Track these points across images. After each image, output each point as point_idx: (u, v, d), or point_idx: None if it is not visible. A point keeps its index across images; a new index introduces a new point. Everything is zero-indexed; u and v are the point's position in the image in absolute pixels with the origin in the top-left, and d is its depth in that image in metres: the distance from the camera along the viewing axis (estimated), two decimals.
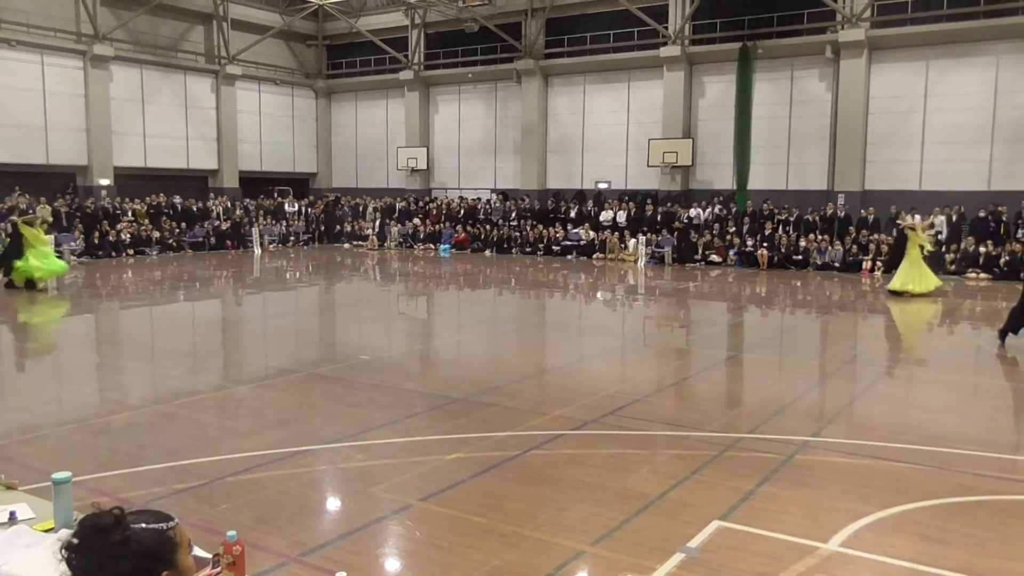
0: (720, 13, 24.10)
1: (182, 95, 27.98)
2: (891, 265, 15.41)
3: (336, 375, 8.61)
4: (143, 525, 1.76)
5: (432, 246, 26.16)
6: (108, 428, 6.64)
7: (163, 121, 27.31)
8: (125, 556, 1.70)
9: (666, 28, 24.37)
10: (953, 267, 19.10)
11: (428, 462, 5.70)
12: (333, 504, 5.11)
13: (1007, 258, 18.30)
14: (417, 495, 5.06)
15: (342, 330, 12.77)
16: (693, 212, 23.43)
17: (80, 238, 21.97)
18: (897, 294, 15.31)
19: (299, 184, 32.64)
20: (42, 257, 15.37)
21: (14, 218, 16.38)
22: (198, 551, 2.35)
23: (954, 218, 20.06)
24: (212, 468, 5.52)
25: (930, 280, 15.42)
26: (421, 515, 4.78)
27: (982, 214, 19.64)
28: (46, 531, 2.55)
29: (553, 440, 6.24)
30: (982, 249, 18.92)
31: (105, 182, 25.36)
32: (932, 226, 17.77)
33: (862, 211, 21.25)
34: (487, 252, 25.18)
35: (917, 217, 18.18)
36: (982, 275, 18.59)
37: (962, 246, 19.37)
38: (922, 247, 15.58)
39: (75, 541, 1.72)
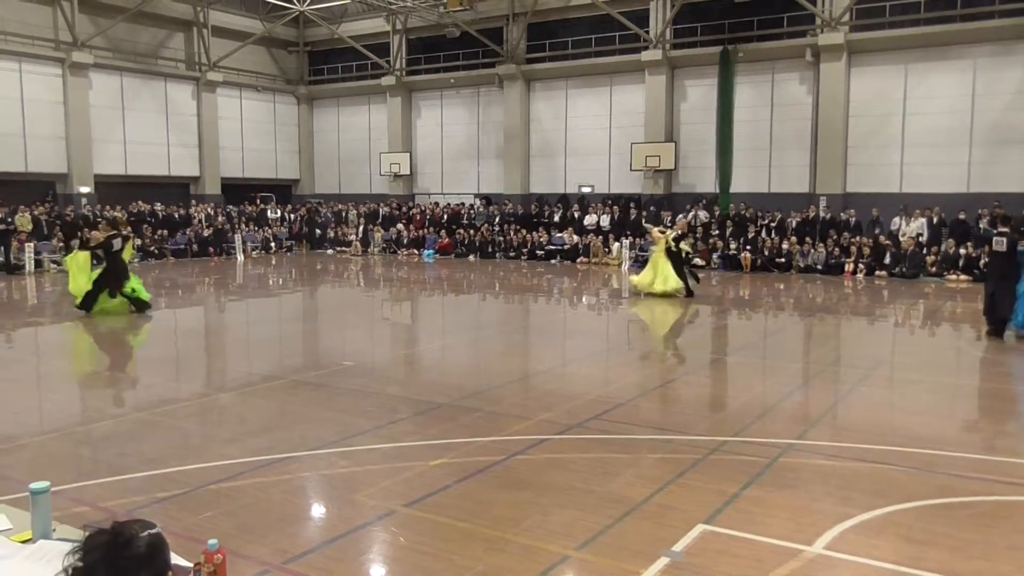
0: (701, 17, 24.27)
1: (163, 102, 27.79)
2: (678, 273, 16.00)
3: (319, 381, 8.57)
4: (147, 532, 1.80)
5: (416, 251, 26.11)
6: (89, 437, 6.57)
7: (144, 128, 27.11)
8: (148, 565, 1.76)
9: (647, 32, 24.50)
10: (933, 269, 19.30)
11: (412, 468, 5.68)
12: (316, 511, 5.07)
13: (986, 260, 18.48)
14: (401, 501, 5.04)
15: (325, 336, 12.70)
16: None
17: (60, 246, 21.74)
18: (655, 294, 15.62)
19: (282, 191, 32.50)
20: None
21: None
22: (179, 560, 2.33)
23: (935, 220, 20.27)
24: (194, 476, 5.47)
25: (671, 281, 15.64)
26: (405, 521, 4.76)
27: (962, 216, 19.86)
28: (24, 542, 2.52)
29: (537, 445, 6.24)
30: (962, 251, 19.11)
31: (85, 190, 25.13)
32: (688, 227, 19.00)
33: (842, 214, 21.44)
34: (471, 257, 25.16)
35: (680, 217, 19.20)
36: (962, 277, 18.79)
37: (942, 248, 19.56)
38: (684, 252, 16.12)
39: (94, 557, 1.72)
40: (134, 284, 13.31)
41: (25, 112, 23.93)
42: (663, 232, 16.43)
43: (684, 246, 16.31)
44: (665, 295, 15.60)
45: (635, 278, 16.37)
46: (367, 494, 5.17)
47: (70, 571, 1.73)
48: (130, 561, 1.72)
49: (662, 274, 15.73)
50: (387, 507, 4.95)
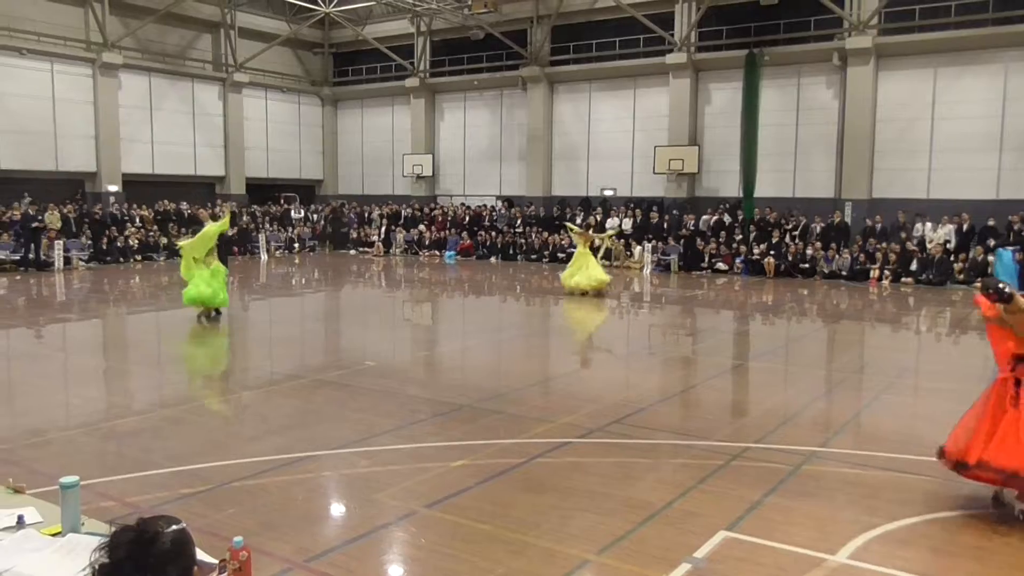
0: (726, 20, 24.12)
1: (190, 102, 28.11)
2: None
3: (341, 381, 8.61)
4: (173, 528, 1.83)
5: (437, 253, 26.18)
6: (114, 432, 6.65)
7: (171, 128, 27.44)
8: (174, 561, 1.79)
9: (672, 35, 24.39)
10: (961, 276, 19.01)
11: (433, 469, 5.69)
12: (338, 510, 5.10)
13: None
14: (422, 502, 5.05)
15: (347, 336, 12.77)
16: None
17: (88, 244, 22.08)
18: (582, 292, 16.32)
19: (305, 191, 32.73)
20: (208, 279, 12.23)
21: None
22: (205, 556, 2.35)
23: (964, 227, 19.97)
24: (218, 473, 5.52)
25: (593, 278, 16.41)
26: (426, 522, 4.77)
27: (991, 223, 19.56)
28: (54, 535, 2.55)
29: (558, 448, 6.22)
30: (991, 258, 18.82)
31: (113, 188, 25.48)
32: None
33: (867, 220, 21.20)
34: (492, 259, 25.17)
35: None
36: None
37: (971, 255, 19.28)
38: (597, 246, 17.10)
39: (120, 553, 1.74)
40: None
41: (56, 111, 24.31)
42: (585, 233, 17.28)
43: (606, 242, 17.65)
44: (595, 291, 16.31)
45: (564, 278, 16.81)
46: (388, 494, 5.18)
47: (97, 567, 1.74)
48: (156, 558, 1.74)
49: (591, 270, 16.41)
50: (408, 507, 4.96)
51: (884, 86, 21.96)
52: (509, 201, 27.83)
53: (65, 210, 22.57)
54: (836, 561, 4.26)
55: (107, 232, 22.71)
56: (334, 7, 29.52)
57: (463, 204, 28.70)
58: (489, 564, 4.20)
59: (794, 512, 4.94)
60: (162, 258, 23.21)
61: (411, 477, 5.54)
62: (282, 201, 30.13)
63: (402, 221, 28.35)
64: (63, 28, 24.52)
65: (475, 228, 26.72)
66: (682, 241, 22.62)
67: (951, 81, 21.19)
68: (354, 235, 28.42)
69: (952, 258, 19.43)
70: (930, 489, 5.43)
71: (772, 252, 21.24)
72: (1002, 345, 4.96)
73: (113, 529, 1.82)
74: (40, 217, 20.94)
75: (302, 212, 29.50)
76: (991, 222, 19.58)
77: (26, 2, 23.76)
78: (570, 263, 16.97)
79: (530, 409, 7.48)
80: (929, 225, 20.45)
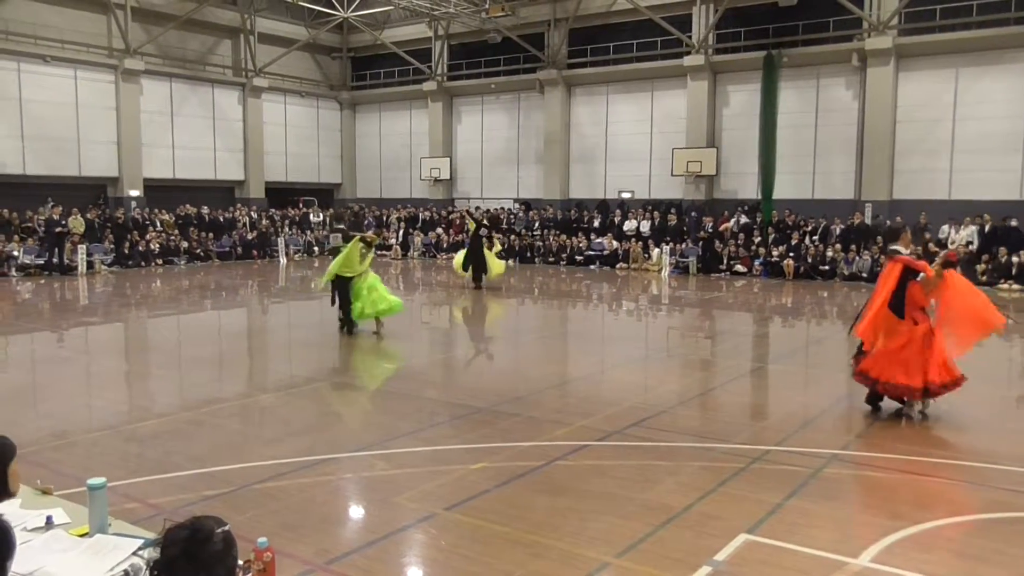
0: (745, 22, 24.01)
1: (210, 107, 28.38)
2: (475, 264, 18.39)
3: (360, 384, 8.65)
4: (222, 528, 1.88)
5: (455, 256, 26.19)
6: (137, 434, 6.73)
7: (191, 133, 27.72)
8: (223, 560, 1.84)
9: (690, 37, 24.31)
10: (984, 278, 18.78)
11: (452, 471, 5.71)
12: (358, 512, 5.13)
13: None
14: (441, 504, 5.07)
15: (365, 339, 12.81)
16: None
17: (111, 248, 22.35)
18: (477, 283, 17.98)
19: (324, 194, 32.92)
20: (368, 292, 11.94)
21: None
22: None
23: (986, 228, 19.73)
24: (238, 475, 5.57)
25: (497, 269, 18.28)
26: (445, 524, 4.79)
27: (1014, 223, 19.32)
28: (81, 536, 2.59)
29: (577, 451, 6.22)
30: (1015, 259, 18.59)
31: (135, 193, 25.77)
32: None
33: (887, 221, 20.98)
34: (509, 262, 25.15)
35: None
36: (1015, 286, 18.27)
37: (995, 256, 19.03)
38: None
39: (174, 551, 1.78)
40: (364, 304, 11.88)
41: (79, 117, 24.63)
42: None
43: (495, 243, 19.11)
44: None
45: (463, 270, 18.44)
46: (407, 497, 5.21)
47: (151, 564, 1.79)
48: (209, 556, 1.78)
49: (489, 264, 18.04)
50: (427, 510, 4.98)
51: (904, 87, 21.77)
52: (526, 204, 27.85)
53: (88, 215, 22.85)
54: (858, 565, 4.23)
55: (129, 236, 22.96)
56: (352, 12, 29.71)
57: (478, 207, 28.74)
58: (508, 567, 4.21)
59: (815, 515, 4.91)
60: (183, 262, 23.44)
61: (430, 480, 5.56)
62: (301, 205, 30.33)
63: (420, 224, 28.45)
64: (86, 35, 24.85)
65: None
66: (700, 243, 22.51)
67: (972, 81, 20.96)
68: None
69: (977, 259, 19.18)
70: (952, 492, 5.38)
71: (791, 254, 21.10)
72: (920, 300, 7.10)
73: (167, 527, 1.87)
74: (63, 222, 21.22)
75: (321, 216, 29.68)
76: (1014, 222, 19.34)
77: (50, 10, 24.11)
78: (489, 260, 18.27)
79: (548, 412, 7.49)
80: (952, 227, 20.22)
